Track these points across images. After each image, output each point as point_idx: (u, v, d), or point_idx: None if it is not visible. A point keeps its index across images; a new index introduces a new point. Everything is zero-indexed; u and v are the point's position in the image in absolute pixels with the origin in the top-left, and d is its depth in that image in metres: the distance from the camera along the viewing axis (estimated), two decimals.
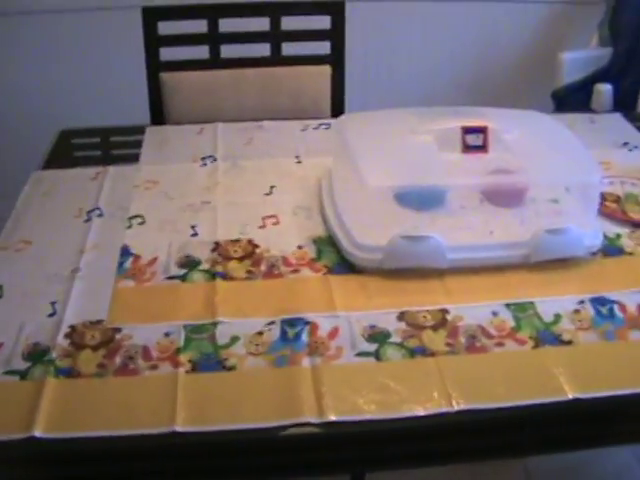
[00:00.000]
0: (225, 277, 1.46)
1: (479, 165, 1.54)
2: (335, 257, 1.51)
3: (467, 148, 1.51)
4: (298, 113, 2.03)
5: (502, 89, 3.47)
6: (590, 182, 1.55)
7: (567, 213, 1.57)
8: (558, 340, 1.33)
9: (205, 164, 1.81)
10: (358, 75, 3.09)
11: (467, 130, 1.52)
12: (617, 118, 2.15)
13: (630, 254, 1.57)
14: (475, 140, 1.52)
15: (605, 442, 1.36)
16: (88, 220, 1.62)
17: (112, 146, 1.97)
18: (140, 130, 1.97)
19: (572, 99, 2.90)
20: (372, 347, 1.30)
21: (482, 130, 1.52)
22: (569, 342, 1.33)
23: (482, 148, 1.52)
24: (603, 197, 1.73)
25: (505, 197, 1.58)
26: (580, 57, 2.97)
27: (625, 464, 2.33)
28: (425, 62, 3.43)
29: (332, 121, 2.00)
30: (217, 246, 1.54)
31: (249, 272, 1.47)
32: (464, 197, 1.58)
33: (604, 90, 2.66)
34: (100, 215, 1.64)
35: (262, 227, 1.60)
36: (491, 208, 1.56)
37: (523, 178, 1.56)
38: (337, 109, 2.20)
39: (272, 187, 1.73)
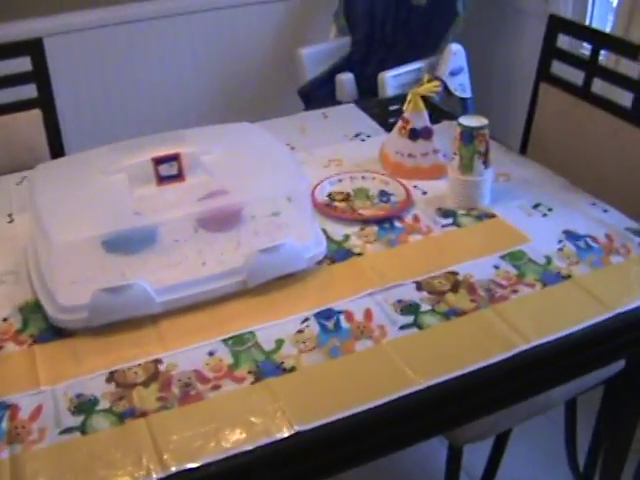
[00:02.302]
0: None
1: (186, 193, 1.44)
2: (42, 324, 1.37)
3: (161, 180, 1.41)
4: (15, 166, 1.87)
5: (254, 95, 3.37)
6: (300, 190, 1.47)
7: (288, 225, 1.49)
8: (280, 369, 1.24)
9: None
10: (76, 113, 2.95)
11: (159, 160, 1.41)
12: (351, 108, 2.09)
13: (359, 255, 1.50)
14: (169, 170, 1.41)
15: (334, 471, 1.27)
16: None
17: None
18: None
19: (318, 93, 2.83)
20: (78, 420, 1.18)
21: (174, 158, 1.41)
22: (291, 369, 1.24)
23: (178, 177, 1.41)
24: (332, 197, 1.66)
25: (220, 221, 1.49)
26: (319, 50, 2.91)
27: (430, 447, 2.28)
28: (161, 84, 3.29)
29: None
30: None
31: None
32: (177, 230, 1.47)
33: (345, 80, 2.62)
34: None
35: None
36: (207, 236, 1.47)
37: (235, 198, 1.47)
38: (57, 154, 2.05)
39: None
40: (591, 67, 1.90)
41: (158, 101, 3.28)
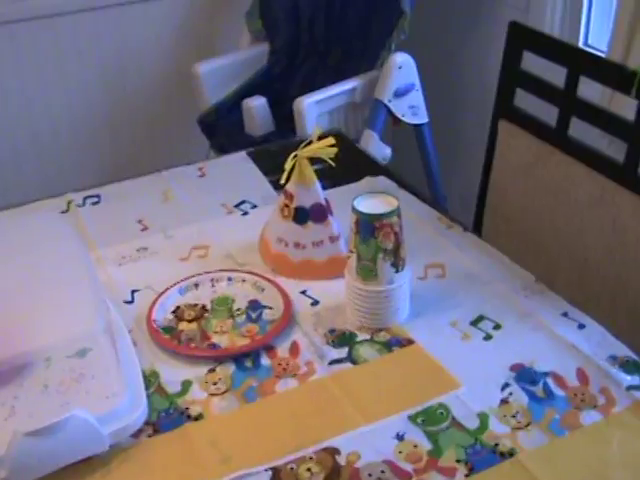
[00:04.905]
0: None
1: None
2: None
3: None
4: None
5: (148, 126, 2.81)
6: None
7: (93, 375, 1.08)
8: None
9: None
10: None
11: None
12: (241, 160, 1.65)
13: (196, 419, 1.07)
14: None
15: None
16: None
17: None
18: None
19: (224, 124, 2.36)
20: None
21: None
22: None
23: None
24: (179, 316, 1.24)
25: None
26: (224, 64, 2.39)
27: None
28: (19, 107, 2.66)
29: None
30: None
31: None
32: None
33: (254, 106, 2.14)
34: None
35: None
36: None
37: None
38: None
39: None
40: (566, 101, 1.42)
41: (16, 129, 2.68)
